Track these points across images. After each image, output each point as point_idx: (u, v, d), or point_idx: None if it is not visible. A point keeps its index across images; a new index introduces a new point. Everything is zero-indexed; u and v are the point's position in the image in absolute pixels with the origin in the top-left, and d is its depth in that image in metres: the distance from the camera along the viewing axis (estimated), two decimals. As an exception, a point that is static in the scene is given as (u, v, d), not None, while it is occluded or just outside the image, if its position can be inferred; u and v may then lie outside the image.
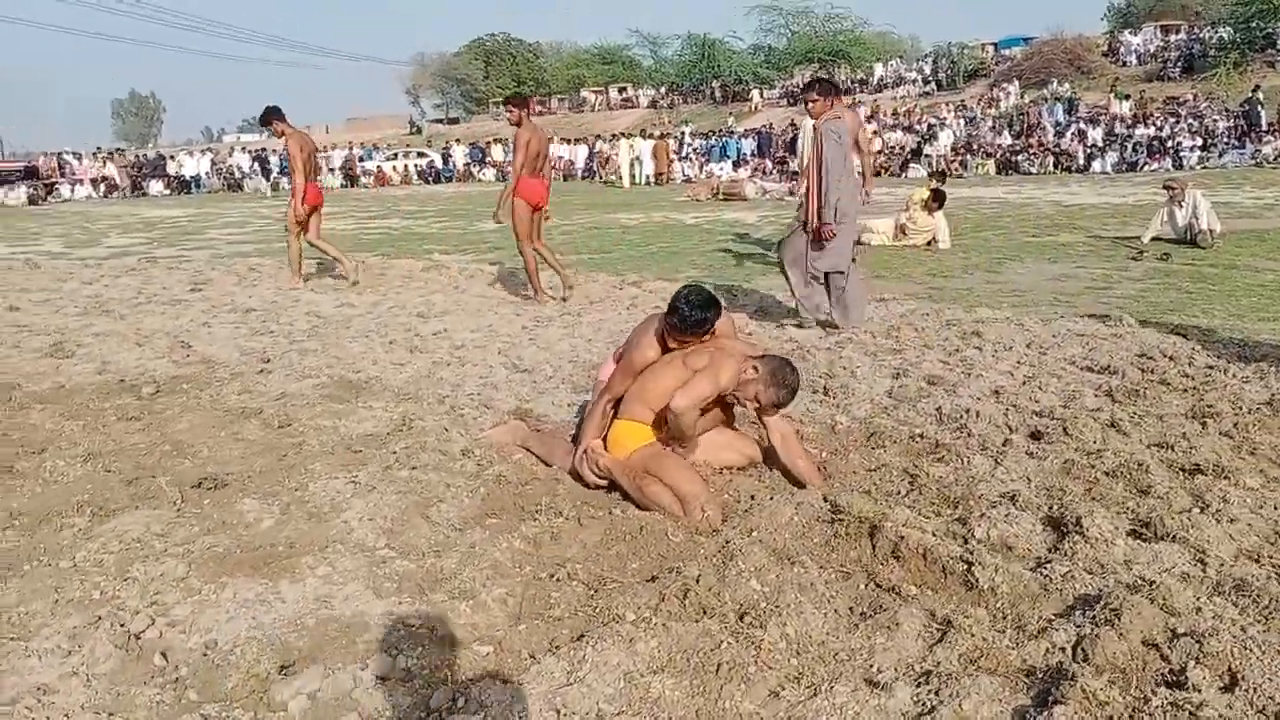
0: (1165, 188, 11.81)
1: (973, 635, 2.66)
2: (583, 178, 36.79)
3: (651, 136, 35.52)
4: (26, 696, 2.51)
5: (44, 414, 5.18)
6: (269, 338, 7.33)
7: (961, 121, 34.32)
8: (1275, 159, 25.18)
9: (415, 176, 39.19)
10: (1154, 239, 11.76)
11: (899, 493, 3.76)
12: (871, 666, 2.58)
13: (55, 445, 4.61)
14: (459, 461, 4.23)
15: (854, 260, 7.27)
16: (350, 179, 37.79)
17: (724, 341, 4.03)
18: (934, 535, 3.29)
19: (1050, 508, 3.56)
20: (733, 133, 38.86)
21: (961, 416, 4.75)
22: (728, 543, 3.32)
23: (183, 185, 36.41)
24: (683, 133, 40.06)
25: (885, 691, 2.41)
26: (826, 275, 7.15)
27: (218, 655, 2.68)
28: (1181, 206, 11.58)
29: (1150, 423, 4.60)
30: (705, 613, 2.84)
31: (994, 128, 33.35)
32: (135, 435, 4.77)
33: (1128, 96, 33.41)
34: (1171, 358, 5.91)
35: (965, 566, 3.05)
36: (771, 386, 3.81)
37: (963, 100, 39.87)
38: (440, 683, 2.48)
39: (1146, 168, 26.51)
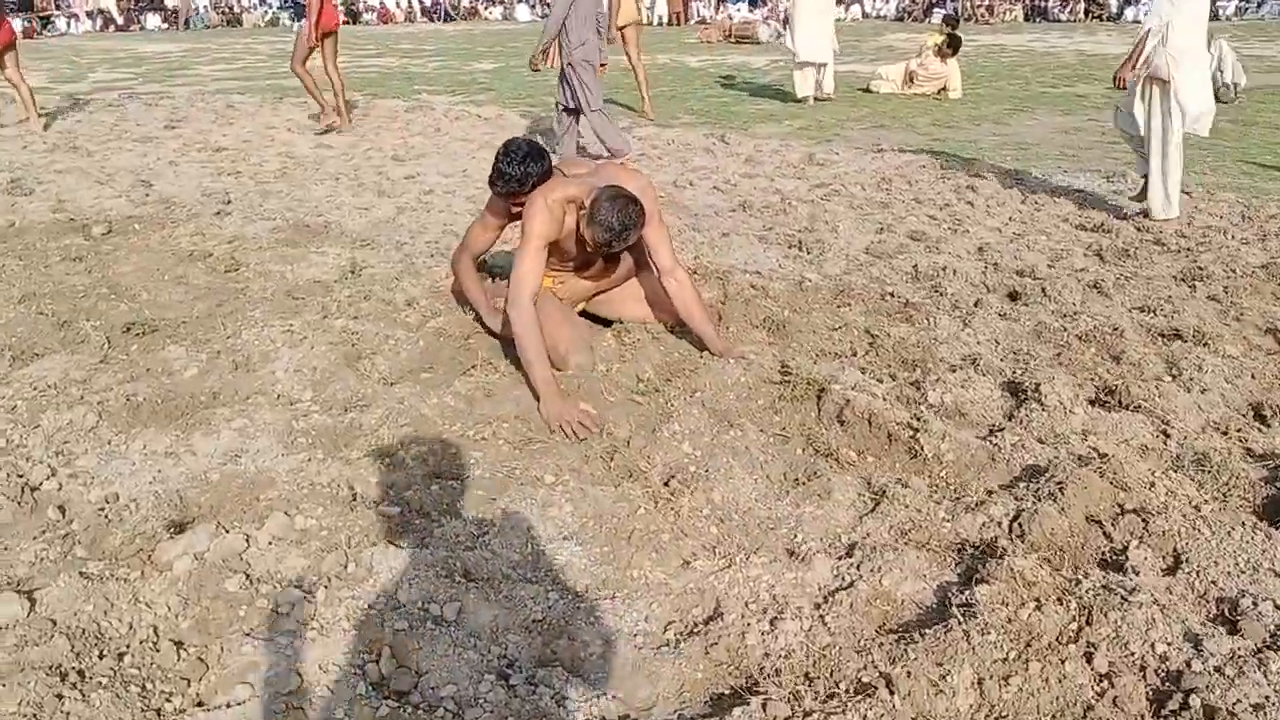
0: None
1: (906, 506, 2.52)
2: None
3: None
4: (-93, 549, 2.40)
5: (-13, 253, 4.99)
6: (235, 179, 7.04)
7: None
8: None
9: (420, 14, 37.69)
10: (1175, 91, 11.20)
11: (854, 353, 3.57)
12: (795, 537, 2.45)
13: (-8, 286, 4.43)
14: (402, 312, 4.04)
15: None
16: (352, 15, 36.39)
17: (550, 184, 3.46)
18: (883, 400, 3.12)
19: (1012, 373, 3.38)
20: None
21: (937, 275, 4.52)
22: (667, 403, 3.16)
23: (181, 20, 35.10)
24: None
25: (804, 564, 2.28)
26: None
27: (113, 510, 2.56)
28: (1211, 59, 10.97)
29: (1136, 285, 4.37)
30: (629, 475, 2.70)
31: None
32: (76, 277, 4.58)
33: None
34: (1170, 218, 5.61)
35: (910, 433, 2.88)
36: (590, 225, 3.25)
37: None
38: (334, 546, 2.35)
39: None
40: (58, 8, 36.01)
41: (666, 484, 2.65)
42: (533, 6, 35.64)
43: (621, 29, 9.94)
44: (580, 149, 7.86)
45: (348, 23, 35.12)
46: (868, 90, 12.16)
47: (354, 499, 2.60)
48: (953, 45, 11.71)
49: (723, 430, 2.95)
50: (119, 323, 3.88)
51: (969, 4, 28.25)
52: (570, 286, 3.66)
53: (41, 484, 2.69)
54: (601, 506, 2.51)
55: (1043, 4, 28.14)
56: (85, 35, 31.91)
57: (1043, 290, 4.22)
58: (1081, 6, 27.37)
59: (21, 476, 2.72)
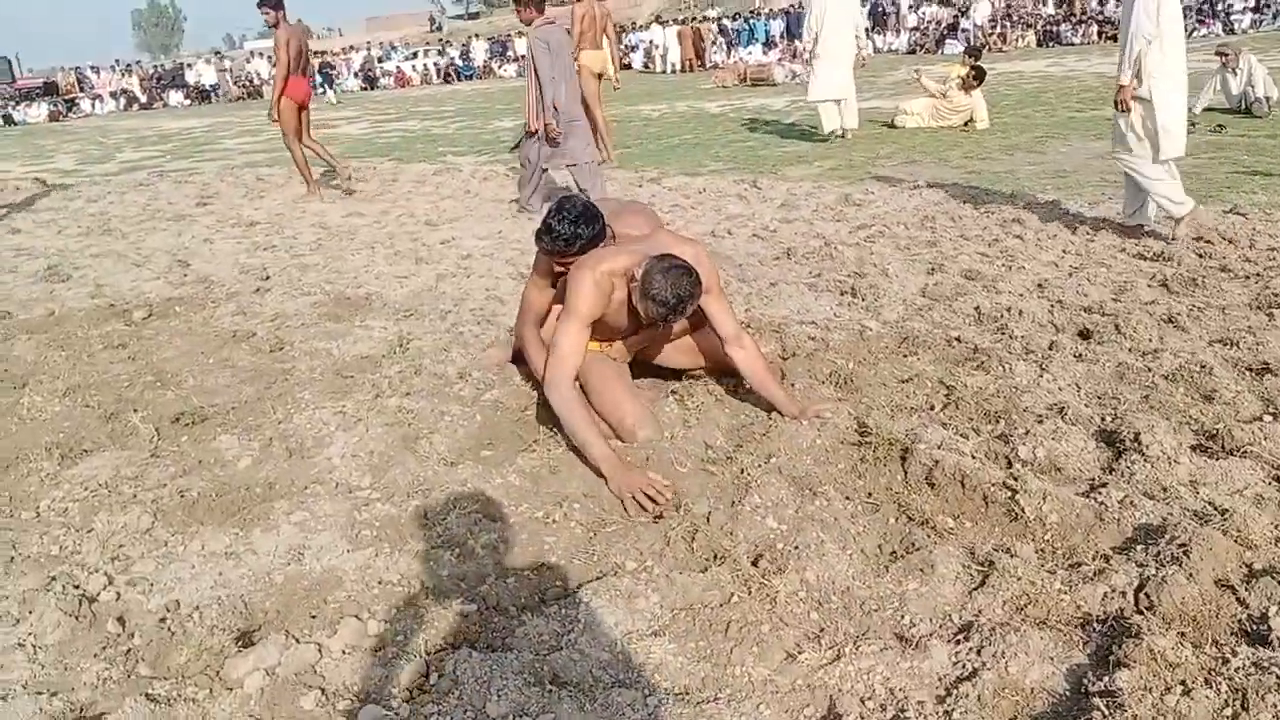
0: (1217, 54, 11.01)
1: (1019, 578, 2.34)
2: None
3: (675, 22, 34.25)
4: (-35, 675, 2.28)
5: (29, 344, 4.93)
6: (271, 253, 7.01)
7: (997, -9, 32.64)
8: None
9: (436, 76, 38.21)
10: (1206, 109, 11.04)
11: (932, 407, 3.40)
12: (903, 619, 2.28)
13: (36, 379, 4.36)
14: (454, 386, 3.93)
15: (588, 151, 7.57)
16: (370, 81, 36.96)
17: (598, 255, 3.34)
18: (972, 457, 2.95)
19: (1103, 420, 3.20)
20: (759, 14, 37.34)
21: (1002, 315, 4.36)
22: (742, 472, 3.01)
23: (202, 95, 35.79)
24: (716, 17, 38.44)
25: (919, 651, 2.11)
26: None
27: (175, 620, 2.43)
28: (1235, 74, 10.82)
29: (1211, 315, 4.19)
30: (715, 558, 2.54)
31: (1034, -3, 31.71)
32: (120, 365, 4.51)
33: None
34: (1231, 241, 5.43)
35: (1008, 494, 2.71)
36: (644, 300, 3.07)
37: (1000, -31, 37.87)
38: (414, 653, 2.21)
39: (1195, 33, 25.05)
40: (81, 89, 36.84)
41: (755, 564, 2.48)
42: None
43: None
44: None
45: (365, 89, 35.71)
46: (892, 125, 12.07)
47: (427, 597, 2.45)
48: (978, 77, 11.62)
49: (806, 500, 2.78)
50: (167, 413, 3.78)
51: (982, 34, 28.25)
52: (618, 348, 3.53)
53: (99, 594, 2.57)
54: (690, 595, 2.35)
55: (1055, 28, 28.09)
56: (110, 115, 32.58)
57: (1116, 327, 4.04)
58: (1094, 29, 27.28)
59: (78, 588, 2.59)
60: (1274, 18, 24.28)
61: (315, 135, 9.53)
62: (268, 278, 6.16)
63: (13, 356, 4.76)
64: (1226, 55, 10.70)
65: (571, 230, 3.35)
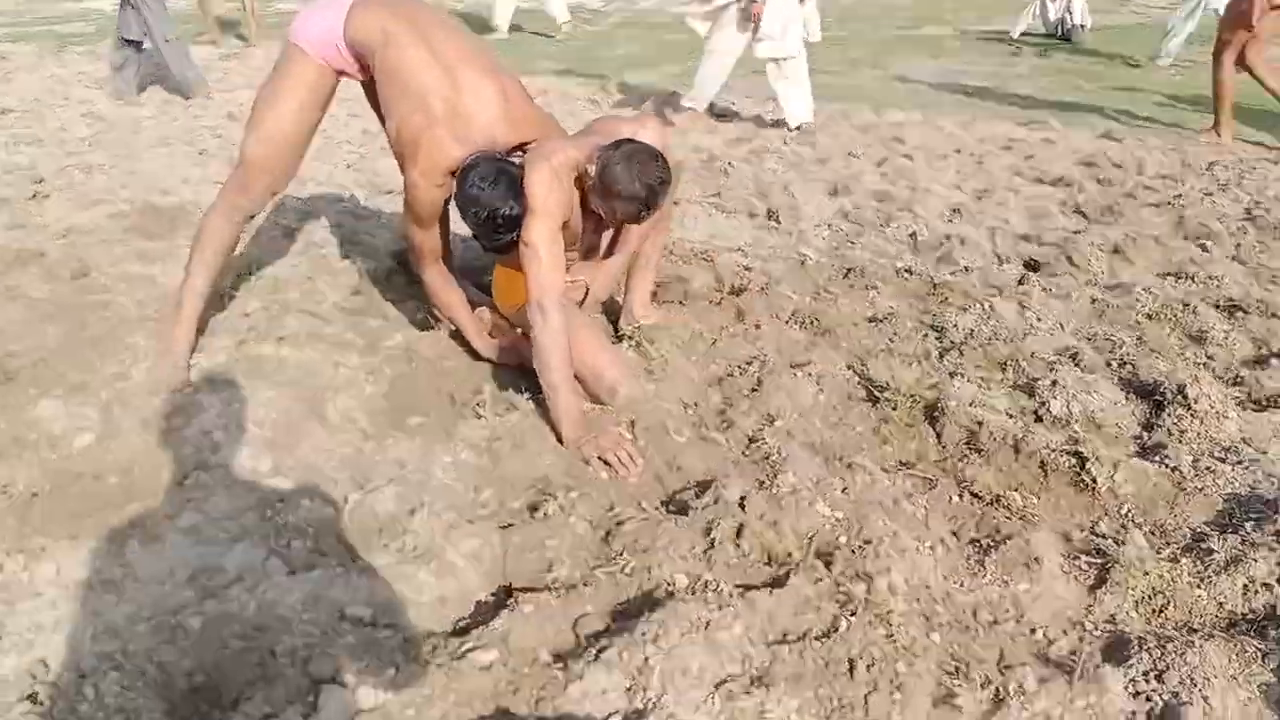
0: (1038, -23, 11.17)
1: (1144, 573, 1.97)
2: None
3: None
4: None
5: None
6: (38, 148, 5.69)
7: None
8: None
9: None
10: (1023, 34, 11.23)
11: (929, 354, 2.99)
12: (1034, 634, 1.86)
13: None
14: (337, 327, 3.15)
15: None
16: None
17: (545, 147, 2.71)
18: (1008, 415, 2.57)
19: (1119, 366, 2.90)
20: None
21: (942, 243, 4.01)
22: (752, 441, 2.49)
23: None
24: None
25: (1090, 682, 1.68)
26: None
27: (55, 696, 1.67)
28: (1054, 1, 11.03)
29: (1148, 245, 4.00)
30: (775, 561, 2.03)
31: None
32: None
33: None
34: (1119, 166, 5.36)
35: (1075, 461, 2.34)
36: (609, 198, 2.53)
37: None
38: (437, 735, 1.57)
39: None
40: None
41: (828, 565, 1.98)
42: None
43: None
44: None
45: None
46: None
47: (422, 644, 1.79)
48: (806, -14, 11.29)
49: (846, 475, 2.30)
50: (-49, 367, 2.82)
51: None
52: (580, 288, 2.90)
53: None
54: (781, 621, 1.82)
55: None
56: None
57: (1068, 259, 3.78)
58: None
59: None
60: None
61: None
62: (41, 180, 4.95)
63: None
64: (1048, -20, 10.86)
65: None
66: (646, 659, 1.68)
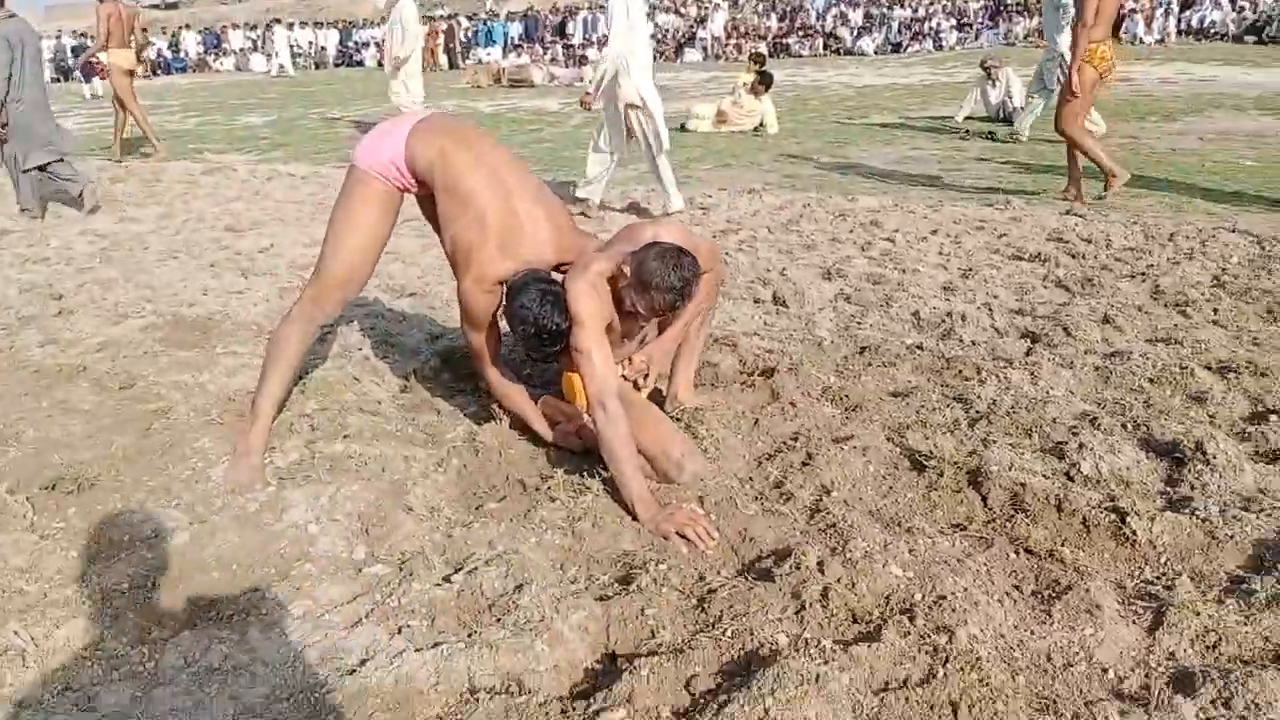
0: (982, 66, 11.85)
1: (1196, 614, 2.16)
2: (336, 65, 33.92)
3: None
4: None
5: None
6: (47, 266, 5.84)
7: (725, 4, 34.04)
8: (1026, 37, 26.49)
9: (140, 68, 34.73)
10: (967, 118, 11.83)
11: (958, 423, 3.21)
12: (1106, 673, 2.03)
13: None
14: (395, 423, 3.32)
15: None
16: (63, 72, 32.99)
17: (577, 267, 2.95)
18: (1045, 478, 2.78)
19: (1135, 428, 3.13)
20: (496, 15, 36.87)
21: (943, 321, 4.28)
22: (816, 512, 2.67)
23: None
24: (446, 16, 37.49)
25: (1167, 711, 1.86)
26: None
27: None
28: (995, 85, 11.67)
29: (1133, 315, 4.29)
30: (857, 619, 2.19)
31: (758, 10, 33.34)
32: (-86, 415, 3.49)
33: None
34: (1088, 240, 5.71)
35: (1115, 517, 2.55)
36: (645, 292, 2.74)
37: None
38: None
39: (910, 49, 27.28)
40: None
41: (911, 620, 2.16)
42: (269, 56, 33.63)
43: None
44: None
45: (58, 80, 31.85)
46: (683, 129, 12.08)
47: (549, 705, 1.93)
48: (764, 82, 11.86)
49: (908, 540, 2.48)
50: (26, 478, 2.92)
51: (718, 44, 29.30)
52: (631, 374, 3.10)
53: (73, 747, 1.85)
54: (879, 672, 1.98)
55: (785, 41, 29.60)
56: None
57: (1064, 330, 4.05)
58: (820, 42, 29.01)
59: (38, 740, 1.86)
60: (975, 36, 26.80)
61: None
62: (61, 297, 5.10)
63: None
64: (993, 67, 11.50)
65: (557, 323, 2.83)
66: (767, 710, 1.83)
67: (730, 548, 2.54)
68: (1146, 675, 2.02)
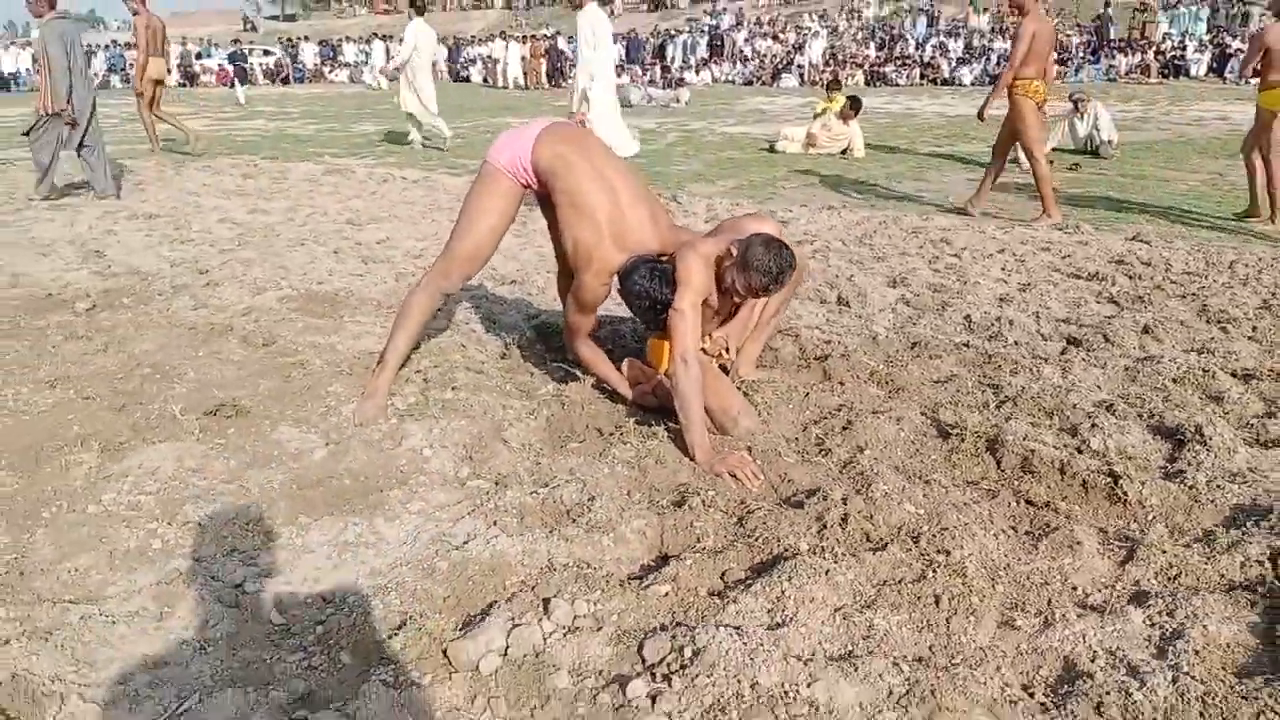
0: (1070, 99, 12.04)
1: (1163, 552, 2.55)
2: (452, 79, 35.30)
3: (519, 40, 34.27)
4: (138, 674, 2.09)
5: (-30, 334, 4.47)
6: (193, 247, 6.59)
7: (825, 31, 34.41)
8: (1127, 73, 26.27)
9: (261, 76, 36.63)
10: (1055, 149, 12.02)
11: (988, 404, 3.61)
12: (1076, 590, 2.44)
13: (4, 370, 3.97)
14: (495, 380, 3.86)
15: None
16: (189, 77, 35.01)
17: (694, 240, 3.46)
18: (1055, 448, 3.17)
19: (1149, 416, 3.49)
20: (599, 37, 37.80)
21: (993, 325, 4.66)
22: (848, 463, 3.11)
23: (0, 84, 32.91)
24: (549, 35, 38.69)
25: (1118, 616, 2.26)
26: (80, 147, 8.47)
27: (342, 609, 2.31)
28: (1083, 118, 11.85)
29: (1174, 328, 4.61)
30: (869, 539, 2.63)
31: (857, 39, 33.63)
32: (98, 357, 4.16)
33: (986, 9, 34.14)
34: (1148, 264, 5.99)
35: (1109, 479, 2.93)
36: (746, 272, 3.22)
37: (824, 9, 39.98)
38: (642, 631, 2.19)
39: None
40: None
41: (915, 542, 2.59)
42: (372, 69, 35.12)
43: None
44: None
45: (184, 84, 33.78)
46: (772, 150, 12.54)
47: (613, 579, 2.42)
48: (854, 107, 12.25)
49: (925, 488, 2.91)
50: (194, 406, 3.53)
51: (815, 70, 29.67)
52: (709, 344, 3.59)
53: (244, 584, 2.41)
54: (880, 573, 2.43)
55: (881, 70, 29.82)
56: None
57: (1104, 337, 4.40)
58: (917, 71, 29.15)
59: (215, 578, 2.42)
60: (1075, 71, 26.65)
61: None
62: (205, 271, 5.80)
63: (-44, 345, 4.31)
64: (1081, 100, 11.71)
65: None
66: (783, 591, 2.29)
67: (771, 487, 3.00)
68: (1110, 594, 2.42)
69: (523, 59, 31.72)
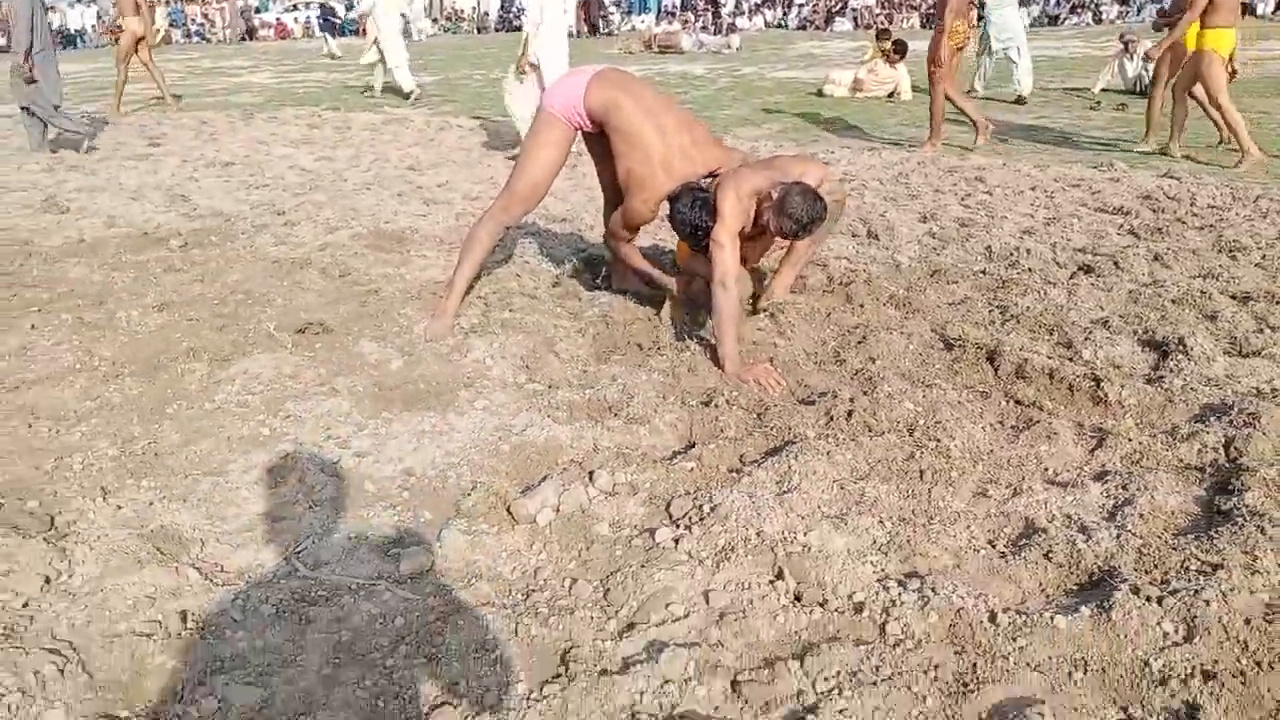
0: (1120, 39, 12.06)
1: (1129, 440, 2.91)
2: (496, 30, 35.52)
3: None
4: (260, 524, 2.57)
5: (82, 267, 5.01)
6: (269, 191, 7.11)
7: (882, -27, 34.00)
8: (1191, 13, 25.70)
9: (317, 29, 37.13)
10: (1104, 90, 12.07)
11: (993, 322, 3.97)
12: (1048, 470, 2.82)
13: (115, 297, 4.50)
14: (547, 304, 4.29)
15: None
16: (249, 32, 35.69)
17: (738, 175, 3.74)
18: (1048, 358, 3.52)
19: (1140, 331, 3.82)
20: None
21: (1012, 254, 4.98)
22: (859, 371, 3.50)
23: (67, 40, 33.86)
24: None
25: (1078, 489, 2.65)
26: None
27: (427, 481, 2.78)
28: (1133, 59, 11.87)
29: (1186, 257, 4.89)
30: (870, 430, 3.03)
31: (914, -20, 33.26)
32: (195, 286, 4.67)
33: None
34: (1174, 199, 6.21)
35: (1093, 383, 3.29)
36: (779, 215, 3.55)
37: (880, -49, 39.37)
38: (670, 495, 2.63)
39: (1068, 22, 26.85)
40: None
41: (910, 432, 2.99)
42: (435, 20, 35.51)
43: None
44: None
45: (243, 39, 34.46)
46: (820, 94, 12.73)
47: (647, 458, 2.86)
48: (899, 50, 12.39)
49: (926, 390, 3.30)
50: (284, 324, 4.02)
51: (869, 14, 29.43)
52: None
53: (340, 462, 2.88)
54: (876, 454, 2.84)
55: (933, 12, 29.48)
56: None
57: (1115, 264, 4.70)
58: (976, 14, 28.76)
59: (317, 459, 2.90)
60: (1138, 11, 26.16)
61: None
62: (282, 213, 6.30)
63: (71, 278, 4.85)
64: (1131, 40, 11.73)
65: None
66: (790, 467, 2.71)
67: (789, 392, 3.41)
68: (1077, 475, 2.80)
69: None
